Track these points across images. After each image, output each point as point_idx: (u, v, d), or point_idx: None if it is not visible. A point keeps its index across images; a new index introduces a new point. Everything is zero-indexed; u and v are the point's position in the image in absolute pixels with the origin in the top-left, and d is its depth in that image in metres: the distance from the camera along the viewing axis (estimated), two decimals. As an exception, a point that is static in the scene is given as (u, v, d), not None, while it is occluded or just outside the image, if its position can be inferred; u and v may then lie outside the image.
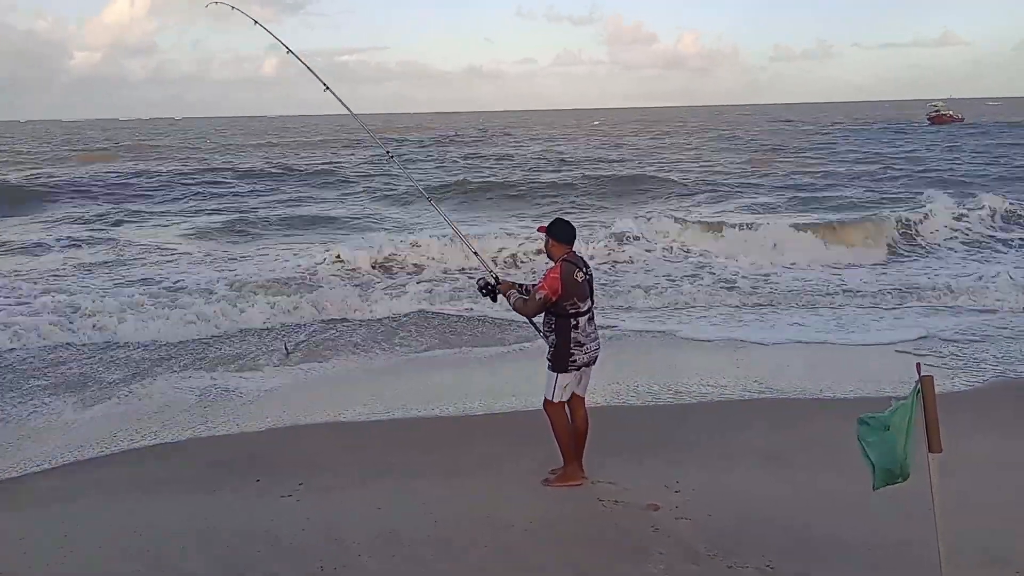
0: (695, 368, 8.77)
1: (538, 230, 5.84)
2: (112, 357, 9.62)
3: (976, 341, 9.57)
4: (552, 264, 5.54)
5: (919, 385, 4.01)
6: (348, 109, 6.90)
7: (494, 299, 5.93)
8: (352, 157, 43.58)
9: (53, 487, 5.98)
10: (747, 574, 4.40)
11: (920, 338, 9.79)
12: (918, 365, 4.15)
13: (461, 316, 11.36)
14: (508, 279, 5.99)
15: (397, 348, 10.08)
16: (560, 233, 5.56)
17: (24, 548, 4.97)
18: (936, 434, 3.98)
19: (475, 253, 6.33)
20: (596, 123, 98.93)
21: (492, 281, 5.88)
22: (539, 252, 13.62)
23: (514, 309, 5.64)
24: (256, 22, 6.94)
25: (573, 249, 5.59)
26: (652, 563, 4.54)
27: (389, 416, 7.44)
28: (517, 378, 8.27)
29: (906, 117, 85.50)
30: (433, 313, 11.54)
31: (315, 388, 8.56)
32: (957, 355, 9.03)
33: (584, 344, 5.47)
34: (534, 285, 5.61)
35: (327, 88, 6.81)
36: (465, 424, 7.21)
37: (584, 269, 5.54)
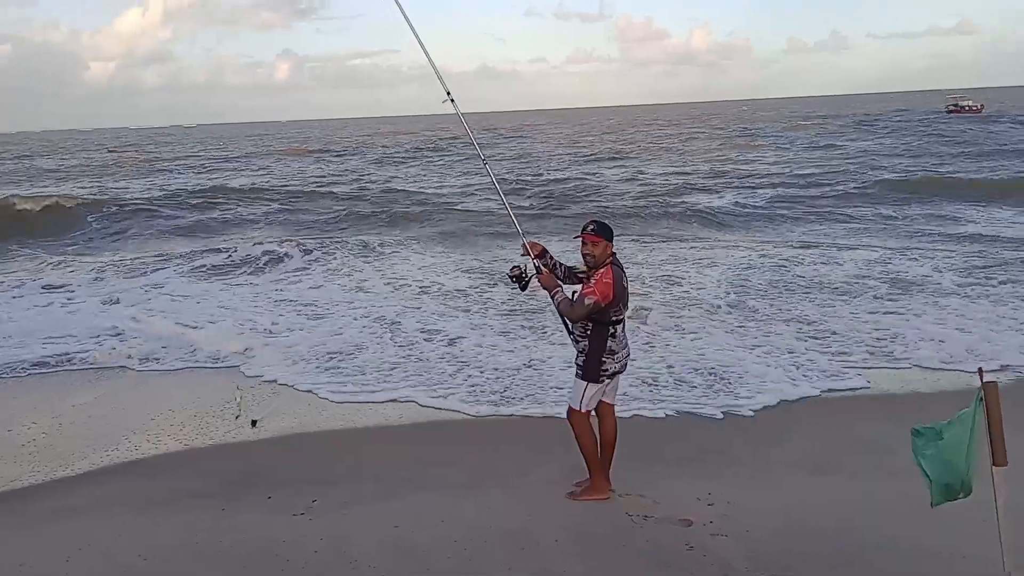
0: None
1: (583, 235, 5.16)
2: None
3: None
4: (600, 268, 5.09)
5: (982, 392, 3.71)
6: (421, 44, 6.36)
7: (523, 288, 5.47)
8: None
9: (45, 505, 5.65)
10: (792, 594, 4.10)
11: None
12: (980, 370, 3.83)
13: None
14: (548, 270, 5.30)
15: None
16: (608, 232, 5.15)
17: (23, 572, 4.70)
18: (1001, 445, 3.67)
19: (521, 235, 5.69)
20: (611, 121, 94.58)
21: (532, 270, 5.37)
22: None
23: (558, 309, 5.21)
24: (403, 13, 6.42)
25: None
26: (690, 584, 4.25)
27: (402, 422, 7.18)
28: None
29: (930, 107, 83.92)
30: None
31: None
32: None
33: (617, 352, 5.16)
34: (581, 277, 5.22)
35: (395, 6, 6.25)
36: (483, 430, 6.94)
37: (625, 274, 5.22)
